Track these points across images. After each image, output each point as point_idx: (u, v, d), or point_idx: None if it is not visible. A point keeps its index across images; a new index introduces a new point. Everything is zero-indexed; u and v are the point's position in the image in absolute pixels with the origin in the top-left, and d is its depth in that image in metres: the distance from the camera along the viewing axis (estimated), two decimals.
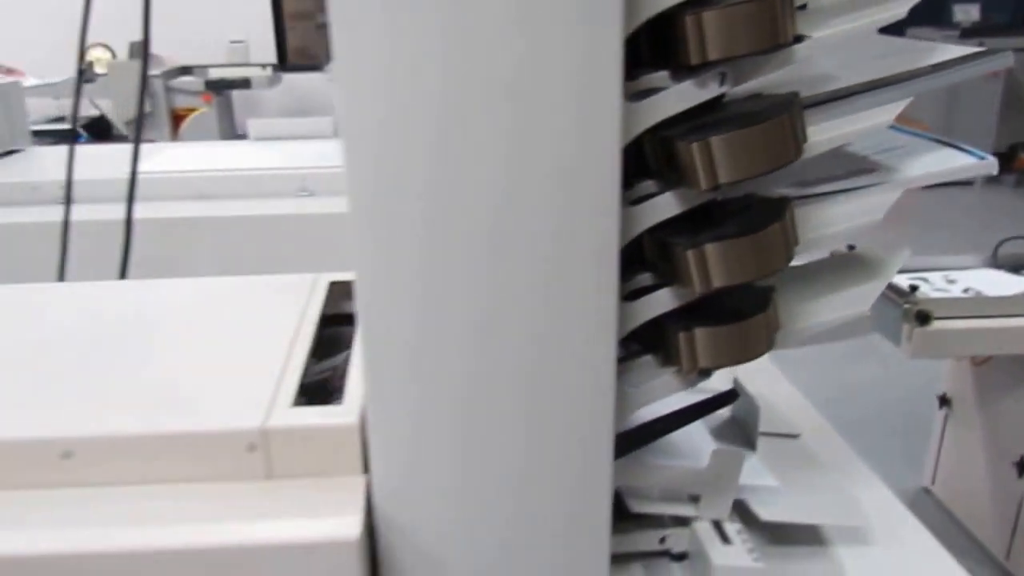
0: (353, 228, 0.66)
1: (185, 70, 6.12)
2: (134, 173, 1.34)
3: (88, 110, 6.04)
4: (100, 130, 5.93)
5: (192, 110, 5.96)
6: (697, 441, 0.98)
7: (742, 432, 1.06)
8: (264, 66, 6.44)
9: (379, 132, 0.63)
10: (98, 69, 6.05)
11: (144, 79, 1.35)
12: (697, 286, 0.69)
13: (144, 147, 2.23)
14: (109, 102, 5.85)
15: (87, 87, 5.81)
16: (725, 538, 0.88)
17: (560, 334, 0.69)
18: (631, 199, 0.71)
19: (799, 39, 0.68)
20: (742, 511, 0.92)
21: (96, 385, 0.86)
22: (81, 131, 5.81)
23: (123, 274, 1.46)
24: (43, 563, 0.72)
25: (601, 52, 0.62)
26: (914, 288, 2.01)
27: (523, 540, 0.76)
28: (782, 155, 0.67)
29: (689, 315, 0.74)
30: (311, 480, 0.77)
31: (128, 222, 1.38)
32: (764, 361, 1.29)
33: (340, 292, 1.12)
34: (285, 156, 2.12)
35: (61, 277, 1.57)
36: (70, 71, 5.71)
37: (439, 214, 0.65)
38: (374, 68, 0.62)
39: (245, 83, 6.11)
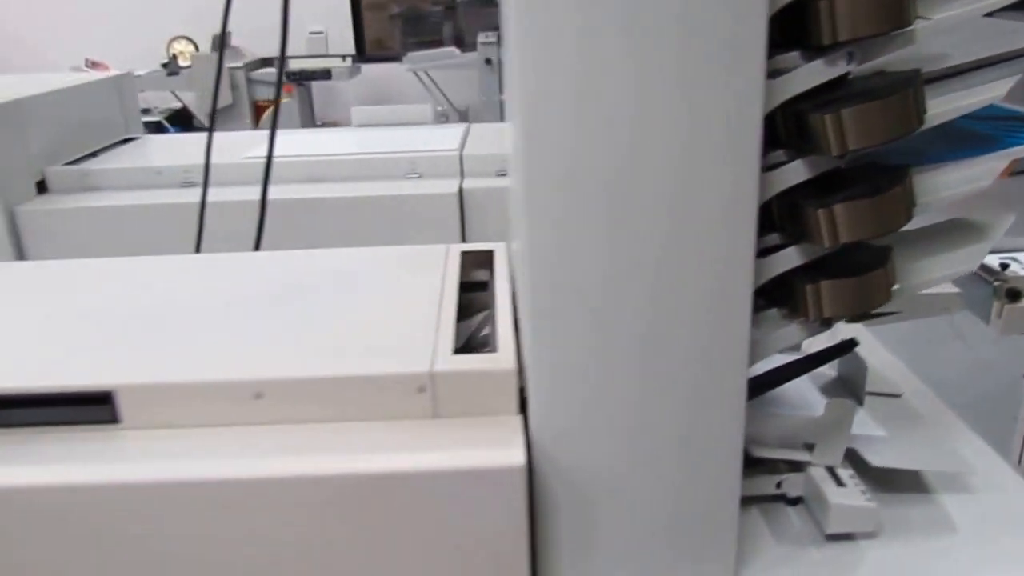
0: (527, 189, 0.76)
1: (266, 61, 6.25)
2: (270, 157, 1.45)
3: (170, 102, 6.24)
4: (182, 121, 6.11)
5: (272, 102, 6.11)
6: (808, 395, 1.07)
7: (848, 390, 1.13)
8: (344, 57, 6.55)
9: (561, 114, 0.73)
10: (181, 62, 6.24)
11: (282, 64, 1.46)
12: (825, 242, 0.78)
13: (255, 135, 2.36)
14: (192, 94, 6.01)
15: (170, 79, 6.00)
16: (839, 481, 0.96)
17: (707, 286, 0.78)
18: (764, 167, 0.79)
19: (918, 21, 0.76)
20: (852, 458, 1.00)
21: (278, 336, 0.97)
22: (165, 123, 6.01)
23: (257, 249, 1.58)
24: (238, 486, 0.83)
25: (750, 36, 0.70)
26: (1004, 266, 2.05)
27: (669, 478, 0.85)
28: (905, 126, 0.75)
29: (814, 270, 0.83)
30: (472, 419, 0.87)
31: (263, 201, 1.50)
32: (865, 333, 1.36)
33: (470, 261, 1.22)
34: (391, 141, 2.23)
35: (198, 251, 1.69)
36: (152, 65, 5.86)
37: (614, 181, 0.74)
38: (560, 56, 0.71)
39: (326, 74, 6.24)
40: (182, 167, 2.05)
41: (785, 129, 0.80)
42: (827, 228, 0.77)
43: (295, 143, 2.23)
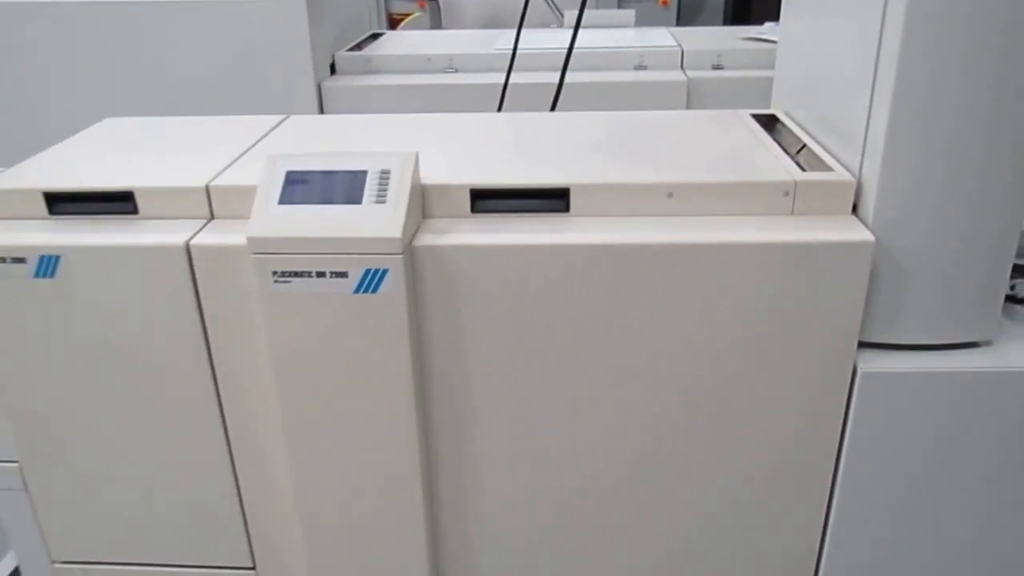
0: (904, 63, 1.10)
1: None
2: (571, 47, 1.81)
3: None
4: None
5: (407, 14, 6.46)
6: None
7: None
8: None
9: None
10: None
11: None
12: None
13: (501, 33, 2.71)
14: None
15: None
16: None
17: None
18: None
19: None
20: None
21: (672, 155, 1.36)
22: None
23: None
24: (657, 248, 1.20)
25: None
26: None
27: (967, 257, 1.21)
28: None
29: None
30: (819, 216, 1.24)
31: (563, 75, 1.86)
32: None
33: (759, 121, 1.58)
34: (613, 39, 2.58)
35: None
36: None
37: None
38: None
39: None
40: (448, 55, 2.42)
41: None
42: None
43: (531, 39, 2.57)
